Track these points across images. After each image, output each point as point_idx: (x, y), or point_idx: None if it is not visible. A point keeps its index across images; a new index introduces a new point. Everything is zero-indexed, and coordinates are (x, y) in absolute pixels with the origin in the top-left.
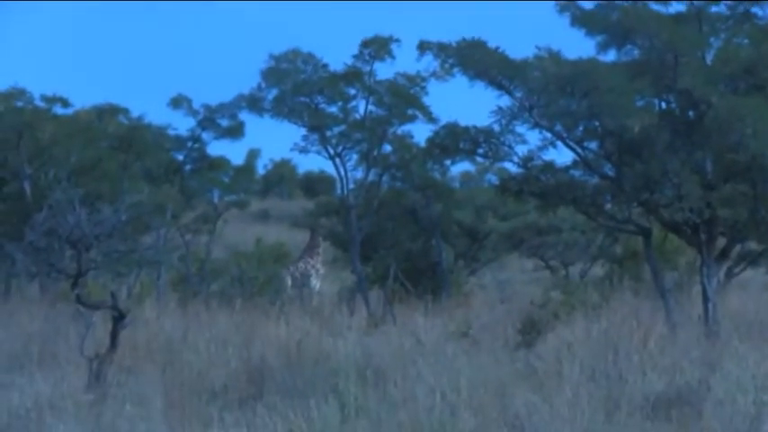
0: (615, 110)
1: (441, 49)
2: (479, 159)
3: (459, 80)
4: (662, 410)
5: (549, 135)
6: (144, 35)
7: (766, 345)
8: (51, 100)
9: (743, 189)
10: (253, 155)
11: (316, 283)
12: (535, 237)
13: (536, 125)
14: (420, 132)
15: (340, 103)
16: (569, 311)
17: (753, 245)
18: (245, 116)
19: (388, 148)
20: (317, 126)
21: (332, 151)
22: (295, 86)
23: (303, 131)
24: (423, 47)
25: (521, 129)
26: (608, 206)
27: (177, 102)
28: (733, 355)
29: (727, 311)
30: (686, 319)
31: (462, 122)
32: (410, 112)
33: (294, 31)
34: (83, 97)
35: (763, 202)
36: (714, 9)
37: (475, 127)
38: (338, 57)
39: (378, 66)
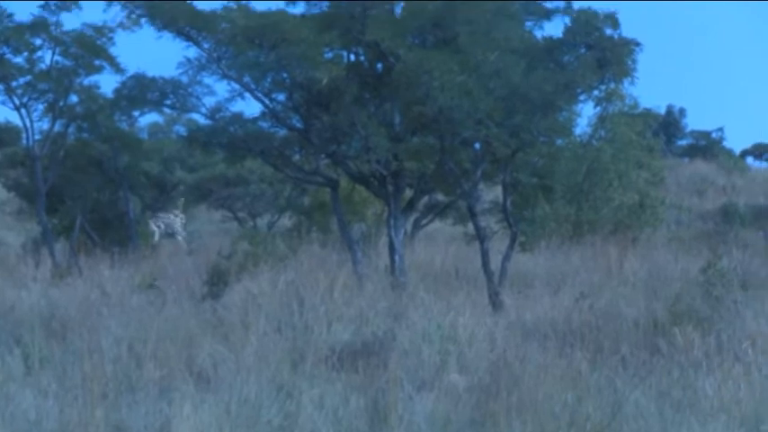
0: (303, 62)
1: (128, 0)
2: (167, 110)
3: (147, 31)
4: (348, 361)
5: (237, 86)
6: None
7: (452, 295)
8: None
9: (430, 142)
10: None
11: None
12: (223, 188)
13: (224, 76)
14: (107, 83)
15: (26, 54)
16: (256, 263)
17: (440, 197)
18: None
19: (74, 98)
20: (2, 76)
21: (17, 102)
22: None
23: None
24: None
25: (209, 80)
26: (296, 158)
27: None
28: (419, 305)
29: (414, 263)
30: (373, 271)
31: (150, 73)
32: (97, 62)
33: None
34: None
35: (450, 154)
36: None
37: (162, 78)
38: (25, 7)
39: (64, 16)
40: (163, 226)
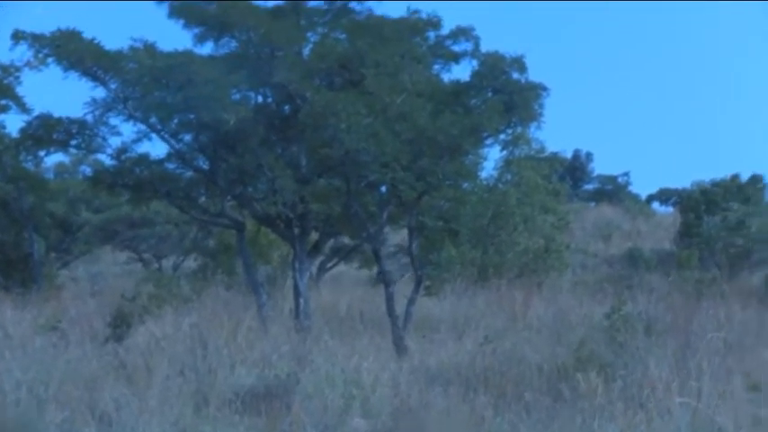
0: (210, 103)
1: (35, 39)
2: (73, 151)
3: (54, 70)
4: (251, 404)
5: (143, 127)
6: None
7: (356, 339)
8: None
9: (336, 184)
10: None
11: None
12: (128, 229)
13: (130, 117)
14: (13, 123)
15: None
16: (160, 305)
17: (346, 240)
18: None
19: None
20: None
21: None
22: None
23: None
24: (17, 36)
25: (115, 120)
26: (202, 199)
27: None
28: (323, 349)
29: (319, 306)
30: (278, 314)
31: (56, 113)
32: (3, 102)
33: None
34: None
35: (356, 197)
36: (313, 4)
37: (69, 118)
38: None
39: None
40: None
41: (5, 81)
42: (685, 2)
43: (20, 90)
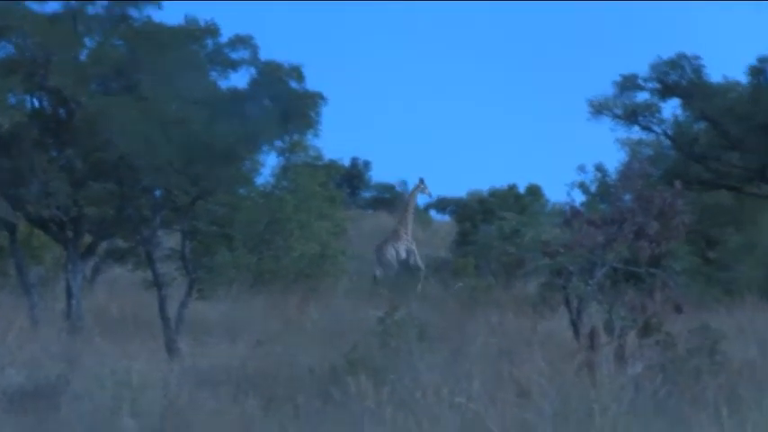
0: None
1: None
2: None
3: None
4: (20, 404)
5: None
6: None
7: (128, 341)
8: None
9: (111, 188)
10: None
11: None
12: None
13: None
14: None
15: None
16: None
17: (120, 242)
18: None
19: None
20: None
21: None
22: None
23: None
24: None
25: None
26: None
27: None
28: (94, 350)
29: (92, 308)
30: (51, 315)
31: None
32: None
33: None
34: None
35: (130, 201)
36: (92, 10)
37: None
38: None
39: None
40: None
41: None
42: (462, 2)
43: None
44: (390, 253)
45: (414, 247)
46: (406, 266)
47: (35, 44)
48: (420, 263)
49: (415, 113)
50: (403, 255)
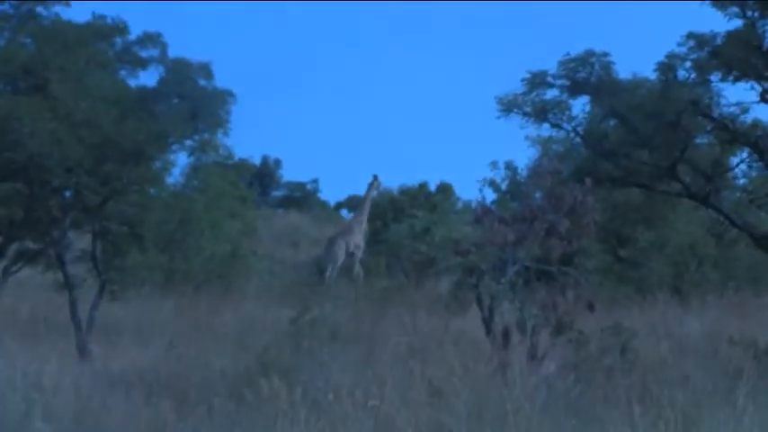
0: None
1: None
2: None
3: None
4: None
5: None
6: None
7: (39, 344)
8: None
9: (20, 188)
10: None
11: None
12: None
13: None
14: None
15: None
16: None
17: (30, 244)
18: None
19: None
20: None
21: None
22: None
23: None
24: None
25: None
26: None
27: None
28: (3, 353)
29: (2, 310)
30: None
31: None
32: None
33: None
34: None
35: (40, 201)
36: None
37: None
38: None
39: None
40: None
41: None
42: (383, 2)
43: None
44: (340, 246)
45: (363, 244)
46: (351, 262)
47: None
48: (359, 263)
49: (326, 111)
50: (351, 249)
